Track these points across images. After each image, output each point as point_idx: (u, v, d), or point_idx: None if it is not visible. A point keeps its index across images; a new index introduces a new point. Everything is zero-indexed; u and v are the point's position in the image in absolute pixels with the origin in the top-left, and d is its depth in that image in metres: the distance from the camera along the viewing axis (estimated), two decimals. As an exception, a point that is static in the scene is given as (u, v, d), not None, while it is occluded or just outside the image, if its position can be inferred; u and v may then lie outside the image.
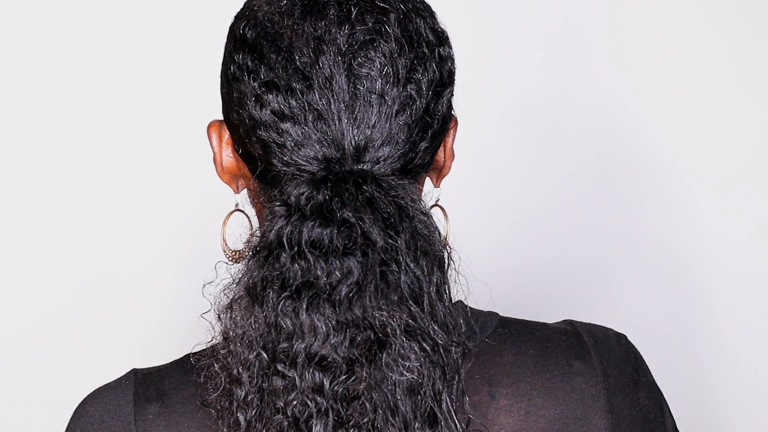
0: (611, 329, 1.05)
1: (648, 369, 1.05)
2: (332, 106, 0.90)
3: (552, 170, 1.89)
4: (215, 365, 0.91)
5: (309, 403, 0.86)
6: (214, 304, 0.93)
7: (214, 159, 1.00)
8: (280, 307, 0.87)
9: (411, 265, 0.87)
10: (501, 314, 1.03)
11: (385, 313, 0.86)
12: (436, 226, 0.91)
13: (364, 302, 0.86)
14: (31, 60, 1.85)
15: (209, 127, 0.99)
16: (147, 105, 1.86)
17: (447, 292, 0.90)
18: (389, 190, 0.89)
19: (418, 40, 0.93)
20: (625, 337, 1.05)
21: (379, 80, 0.91)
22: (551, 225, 1.88)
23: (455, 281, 0.93)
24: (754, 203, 1.90)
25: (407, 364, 0.86)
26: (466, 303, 1.01)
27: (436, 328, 0.88)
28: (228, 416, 0.90)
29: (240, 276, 0.91)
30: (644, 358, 1.06)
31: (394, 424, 0.87)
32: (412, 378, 0.86)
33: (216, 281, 0.95)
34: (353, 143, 0.91)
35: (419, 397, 0.87)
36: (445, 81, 0.95)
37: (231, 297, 0.90)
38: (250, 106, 0.92)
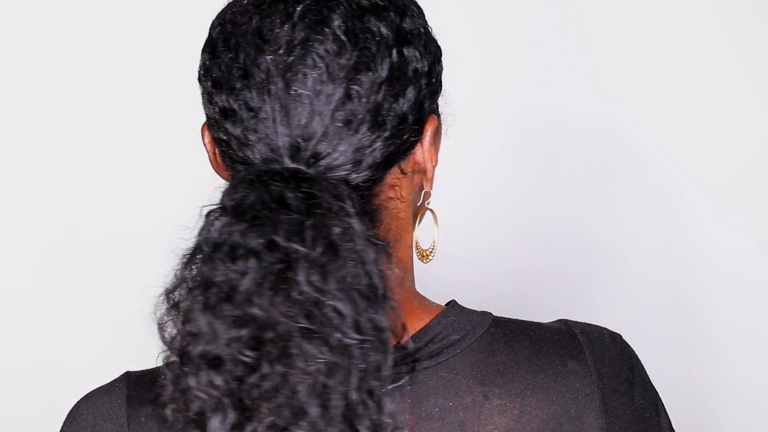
0: (606, 328, 1.05)
1: (643, 368, 1.05)
2: (267, 105, 0.90)
3: (552, 172, 1.88)
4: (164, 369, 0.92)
5: (207, 400, 0.86)
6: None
7: (209, 157, 1.00)
8: (187, 309, 0.87)
9: (317, 264, 0.86)
10: (499, 315, 1.03)
11: (281, 314, 0.85)
12: (361, 226, 0.89)
13: (263, 302, 0.86)
14: (26, 55, 1.85)
15: (203, 126, 0.99)
16: (139, 102, 1.86)
17: (370, 289, 0.88)
18: (307, 188, 0.88)
19: (366, 38, 0.92)
20: (620, 336, 1.05)
21: (311, 79, 0.90)
22: (550, 227, 1.88)
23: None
24: (754, 207, 1.90)
25: (310, 364, 0.85)
26: (452, 303, 1.01)
27: (344, 328, 0.86)
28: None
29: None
30: (642, 362, 1.06)
31: (301, 426, 0.86)
32: (315, 378, 0.85)
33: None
34: (286, 143, 0.90)
35: (329, 397, 0.86)
36: (401, 80, 0.93)
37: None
38: (205, 104, 0.94)
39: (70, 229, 1.85)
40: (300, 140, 0.90)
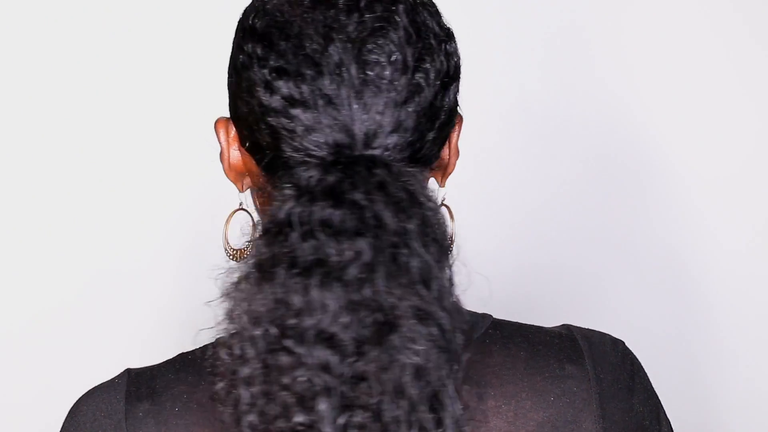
0: (608, 335, 1.04)
1: (646, 376, 1.04)
2: (342, 92, 0.91)
3: (552, 171, 1.88)
4: (221, 351, 0.90)
5: (316, 380, 0.86)
6: (222, 288, 0.93)
7: (222, 156, 1.00)
8: (289, 284, 0.86)
9: (421, 249, 0.87)
10: (498, 316, 1.02)
11: (395, 296, 0.86)
12: (443, 216, 0.92)
13: (375, 283, 0.86)
14: (31, 59, 1.86)
15: (216, 123, 1.00)
16: (145, 104, 1.87)
17: (452, 279, 0.90)
18: (399, 176, 0.90)
19: (425, 31, 0.94)
20: (622, 343, 1.04)
21: (389, 67, 0.91)
22: (551, 226, 1.87)
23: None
24: (755, 206, 1.88)
25: (415, 347, 0.86)
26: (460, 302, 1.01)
27: (442, 313, 0.88)
28: (229, 397, 0.89)
29: (247, 256, 0.91)
30: (643, 363, 1.05)
31: (400, 407, 0.86)
32: (419, 361, 0.86)
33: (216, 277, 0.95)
34: (363, 129, 0.91)
35: (425, 380, 0.86)
36: (452, 74, 0.96)
37: (238, 276, 0.90)
38: (260, 93, 0.92)
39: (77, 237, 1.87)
40: (377, 128, 0.91)
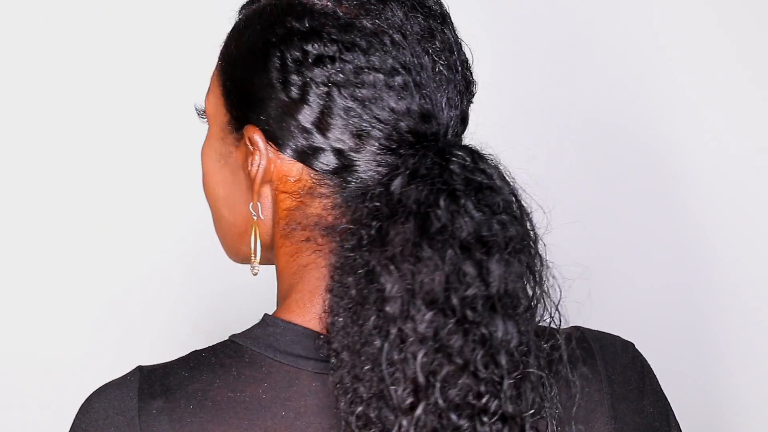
0: (619, 337, 1.05)
1: (655, 378, 1.05)
2: (429, 85, 0.94)
3: (555, 165, 1.88)
4: (374, 337, 0.89)
5: (499, 359, 0.88)
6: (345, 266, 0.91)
7: (258, 164, 0.97)
8: (460, 260, 0.87)
9: (533, 231, 0.94)
10: None
11: (540, 270, 0.93)
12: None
13: (522, 260, 0.90)
14: (31, 59, 1.86)
15: (251, 131, 0.97)
16: (145, 104, 1.87)
17: None
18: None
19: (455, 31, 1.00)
20: (632, 345, 1.05)
21: (457, 62, 0.97)
22: (554, 222, 1.87)
23: None
24: (760, 209, 1.88)
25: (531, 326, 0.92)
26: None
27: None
28: (370, 381, 0.88)
29: (384, 239, 0.89)
30: (652, 364, 1.06)
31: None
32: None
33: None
34: (446, 119, 0.95)
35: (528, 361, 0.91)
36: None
37: (387, 256, 0.89)
38: (344, 90, 0.93)
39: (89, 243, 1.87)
40: (455, 119, 0.96)
